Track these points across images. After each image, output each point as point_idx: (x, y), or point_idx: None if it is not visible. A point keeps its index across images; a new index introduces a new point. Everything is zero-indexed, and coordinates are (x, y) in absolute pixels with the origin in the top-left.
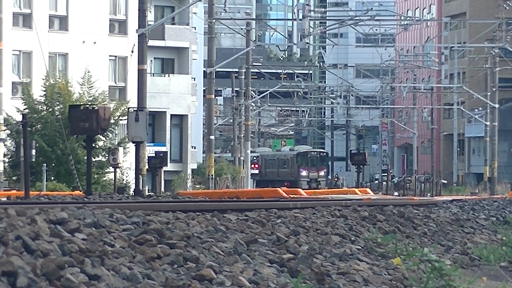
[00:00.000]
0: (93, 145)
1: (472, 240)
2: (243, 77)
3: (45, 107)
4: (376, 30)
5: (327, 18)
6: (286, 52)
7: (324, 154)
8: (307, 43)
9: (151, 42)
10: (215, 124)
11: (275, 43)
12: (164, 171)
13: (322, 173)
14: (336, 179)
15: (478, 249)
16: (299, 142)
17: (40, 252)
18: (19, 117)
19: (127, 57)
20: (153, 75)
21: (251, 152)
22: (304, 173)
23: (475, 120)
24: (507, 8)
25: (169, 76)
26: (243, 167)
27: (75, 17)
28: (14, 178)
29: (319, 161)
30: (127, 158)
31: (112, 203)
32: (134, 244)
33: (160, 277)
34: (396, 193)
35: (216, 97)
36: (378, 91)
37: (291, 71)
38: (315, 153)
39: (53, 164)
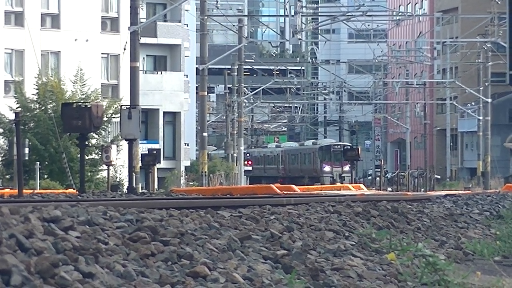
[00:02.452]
0: (86, 143)
1: (466, 234)
2: (236, 73)
3: (37, 105)
4: (368, 25)
5: (319, 14)
6: (279, 48)
7: (349, 148)
8: (299, 39)
9: (143, 40)
10: (208, 121)
11: (268, 39)
12: (158, 168)
13: (346, 168)
14: None
15: (472, 243)
16: (292, 138)
17: (34, 250)
18: (11, 116)
19: (119, 54)
20: (145, 73)
21: (276, 147)
22: (327, 168)
23: (468, 115)
24: (499, 2)
25: (161, 73)
26: (237, 164)
27: (67, 15)
28: (7, 176)
29: (343, 155)
30: (120, 156)
31: (105, 201)
32: (128, 241)
33: (154, 274)
34: (389, 189)
35: (209, 94)
36: (370, 86)
37: (283, 68)
38: (339, 146)
39: (46, 162)
